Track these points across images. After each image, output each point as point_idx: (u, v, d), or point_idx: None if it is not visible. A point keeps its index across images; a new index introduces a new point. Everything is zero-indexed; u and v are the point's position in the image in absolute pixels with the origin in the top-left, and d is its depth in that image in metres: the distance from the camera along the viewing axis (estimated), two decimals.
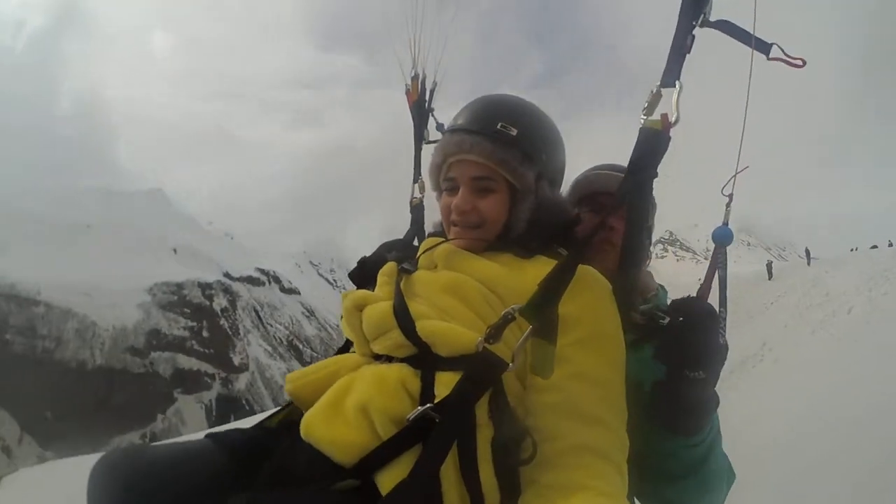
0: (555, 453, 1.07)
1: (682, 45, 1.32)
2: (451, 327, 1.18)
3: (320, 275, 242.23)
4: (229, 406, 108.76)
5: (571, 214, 1.48)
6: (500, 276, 1.29)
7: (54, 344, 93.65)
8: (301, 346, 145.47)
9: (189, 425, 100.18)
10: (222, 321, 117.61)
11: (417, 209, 1.97)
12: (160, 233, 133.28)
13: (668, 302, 1.52)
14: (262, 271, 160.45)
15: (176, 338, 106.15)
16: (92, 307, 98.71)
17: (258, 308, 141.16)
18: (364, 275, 1.69)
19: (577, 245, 1.35)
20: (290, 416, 1.40)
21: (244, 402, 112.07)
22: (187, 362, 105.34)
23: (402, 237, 1.91)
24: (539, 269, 1.25)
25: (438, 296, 1.29)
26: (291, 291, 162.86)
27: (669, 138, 1.31)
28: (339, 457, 1.09)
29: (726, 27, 1.32)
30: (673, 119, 1.30)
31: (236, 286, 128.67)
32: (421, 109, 2.03)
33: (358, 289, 1.59)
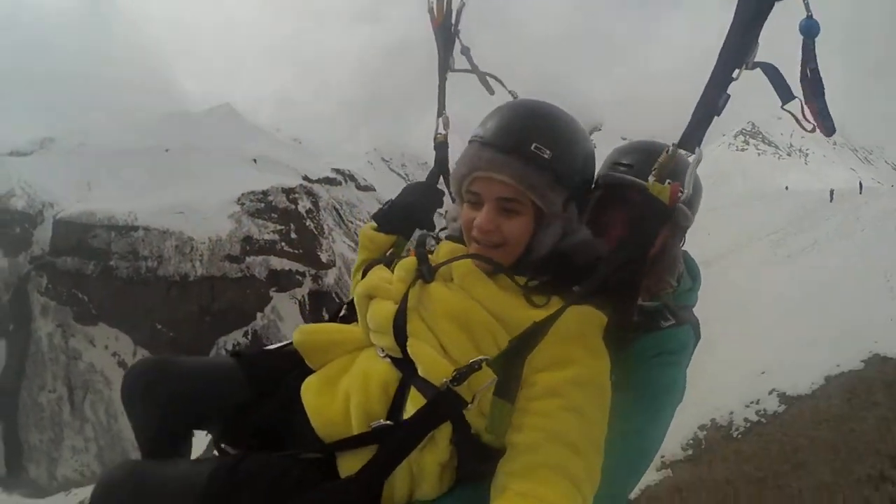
0: (531, 465, 1.19)
1: (713, 105, 1.29)
2: (431, 356, 1.33)
3: (392, 170, 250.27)
4: (320, 300, 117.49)
5: (595, 253, 1.47)
6: (512, 311, 1.37)
7: (156, 263, 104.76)
8: None
9: (286, 321, 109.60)
10: (308, 222, 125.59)
11: (441, 147, 2.09)
12: (237, 145, 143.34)
13: (696, 287, 1.82)
14: (338, 171, 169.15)
15: (267, 242, 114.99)
16: (187, 224, 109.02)
17: (338, 207, 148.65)
18: (389, 222, 1.94)
19: (591, 290, 1.36)
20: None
21: (334, 294, 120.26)
22: (279, 263, 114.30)
23: (426, 181, 2.05)
24: (552, 306, 1.35)
25: (441, 320, 1.38)
26: (367, 189, 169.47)
27: (672, 213, 1.35)
28: (317, 427, 1.38)
29: (772, 72, 1.27)
30: (683, 196, 1.33)
31: (316, 188, 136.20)
32: (447, 34, 2.04)
33: (382, 230, 1.92)
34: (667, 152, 1.37)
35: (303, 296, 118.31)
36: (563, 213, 1.47)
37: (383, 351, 1.43)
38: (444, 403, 1.27)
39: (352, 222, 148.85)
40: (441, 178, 2.02)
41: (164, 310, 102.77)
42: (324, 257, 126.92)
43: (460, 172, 1.51)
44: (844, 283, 10.01)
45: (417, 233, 1.88)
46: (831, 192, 26.40)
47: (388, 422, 1.30)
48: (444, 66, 2.06)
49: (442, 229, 1.77)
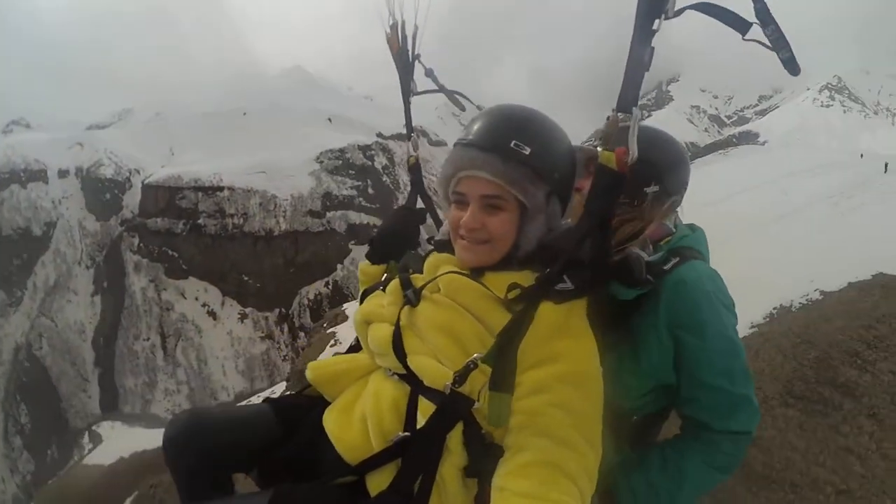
0: (525, 464, 1.30)
1: (640, 61, 1.35)
2: (431, 365, 1.48)
3: (462, 124, 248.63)
4: None
5: (574, 248, 1.52)
6: (496, 318, 1.49)
7: (242, 220, 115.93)
8: None
9: None
10: (384, 178, 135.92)
11: (415, 169, 2.40)
12: (312, 105, 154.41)
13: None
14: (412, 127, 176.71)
15: (346, 197, 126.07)
16: (270, 182, 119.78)
17: None
18: (378, 254, 2.13)
19: (582, 285, 1.47)
20: None
21: None
22: (357, 217, 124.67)
23: (405, 204, 2.31)
24: (545, 321, 1.45)
25: (434, 334, 1.52)
26: (439, 144, 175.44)
27: (624, 177, 1.42)
28: (343, 454, 1.55)
29: (705, 7, 1.32)
30: (630, 158, 1.39)
31: (391, 144, 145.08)
32: (405, 60, 2.29)
33: (374, 263, 2.12)
34: (608, 118, 1.47)
35: None
36: (546, 208, 1.60)
37: (390, 371, 1.59)
38: (452, 406, 1.41)
39: (425, 177, 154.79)
40: (419, 197, 2.29)
41: (250, 263, 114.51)
42: None
43: (446, 173, 1.66)
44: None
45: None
46: (885, 165, 27.46)
47: (405, 433, 1.45)
48: (407, 91, 2.32)
49: (429, 239, 1.98)
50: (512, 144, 1.54)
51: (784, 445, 4.93)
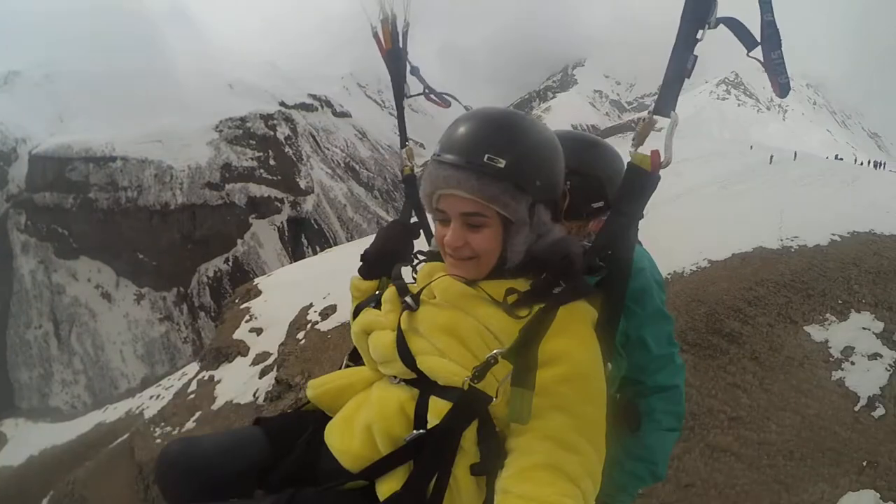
0: (528, 467, 1.29)
1: (682, 67, 1.35)
2: (444, 364, 1.44)
3: (368, 96, 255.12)
4: (299, 226, 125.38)
5: (568, 250, 1.54)
6: (497, 322, 1.47)
7: (136, 193, 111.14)
8: (357, 168, 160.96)
9: (266, 246, 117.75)
10: (286, 149, 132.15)
11: (409, 181, 2.19)
12: (212, 70, 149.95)
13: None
14: (314, 97, 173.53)
15: (246, 169, 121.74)
16: (166, 153, 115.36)
17: (315, 133, 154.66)
18: (371, 271, 2.05)
19: (573, 283, 1.47)
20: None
21: (312, 221, 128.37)
22: (258, 190, 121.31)
23: (399, 219, 2.17)
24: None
25: (437, 335, 1.49)
26: (343, 115, 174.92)
27: (658, 179, 1.42)
28: (347, 465, 1.50)
29: (730, 22, 1.33)
30: (664, 160, 1.39)
31: (293, 114, 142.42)
32: (398, 59, 2.14)
33: (367, 279, 2.04)
34: (643, 120, 1.43)
35: (281, 222, 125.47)
36: (531, 219, 1.54)
37: (396, 378, 1.55)
38: (470, 402, 1.38)
39: (328, 148, 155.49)
40: (413, 212, 2.18)
41: (145, 239, 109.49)
42: (302, 184, 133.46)
43: (425, 192, 1.62)
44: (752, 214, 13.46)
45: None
46: (771, 157, 30.40)
47: (420, 431, 1.42)
48: (401, 94, 2.19)
49: (418, 254, 1.98)
50: (485, 159, 1.48)
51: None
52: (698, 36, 1.33)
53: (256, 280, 28.38)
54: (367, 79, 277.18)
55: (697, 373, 6.94)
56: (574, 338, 1.43)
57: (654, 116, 1.43)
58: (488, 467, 1.39)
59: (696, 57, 1.34)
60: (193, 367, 32.22)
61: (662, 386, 1.98)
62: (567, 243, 1.58)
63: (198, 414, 19.67)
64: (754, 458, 6.13)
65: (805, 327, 8.07)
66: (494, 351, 1.36)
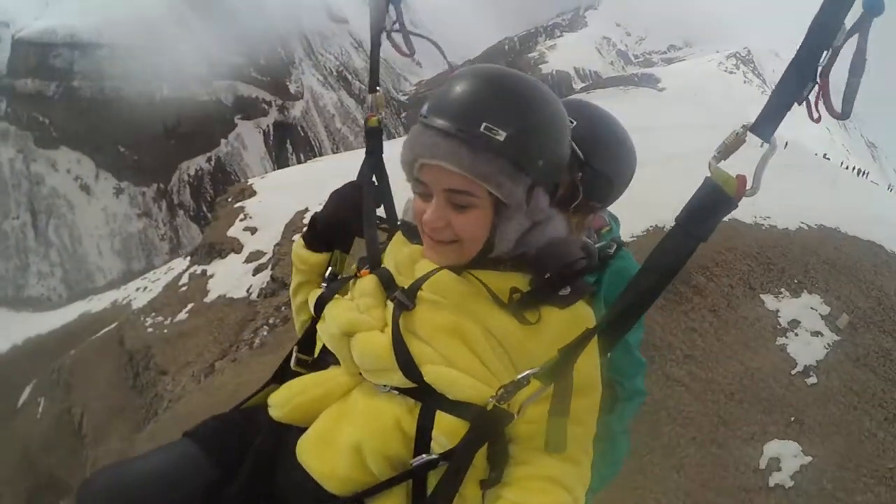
0: (524, 476, 1.26)
1: (797, 92, 1.20)
2: (459, 378, 1.29)
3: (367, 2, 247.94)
4: (285, 131, 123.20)
5: (571, 257, 1.39)
6: (500, 321, 1.34)
7: (123, 83, 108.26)
8: (350, 78, 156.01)
9: (250, 150, 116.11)
10: (279, 49, 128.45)
11: (373, 133, 1.90)
12: None
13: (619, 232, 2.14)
14: None
15: (235, 65, 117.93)
16: (154, 42, 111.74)
17: (309, 36, 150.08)
18: (321, 239, 1.79)
19: (583, 288, 1.39)
20: (265, 399, 1.57)
21: (299, 128, 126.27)
22: (246, 90, 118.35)
23: (357, 180, 1.86)
24: (552, 328, 1.34)
25: (441, 338, 1.33)
26: (340, 20, 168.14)
27: (735, 206, 1.27)
28: (334, 489, 1.33)
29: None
30: (750, 189, 1.24)
31: (289, 12, 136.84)
32: None
33: (315, 250, 1.79)
34: (736, 134, 1.26)
35: (268, 125, 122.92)
36: (527, 203, 1.37)
37: (385, 386, 1.38)
38: (491, 422, 1.27)
39: (321, 54, 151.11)
40: (374, 172, 1.90)
41: (128, 132, 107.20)
42: (292, 88, 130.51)
43: (405, 158, 1.42)
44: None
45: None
46: (743, 125, 35.69)
47: (432, 457, 1.29)
48: (379, 28, 1.88)
49: (381, 220, 1.82)
50: (482, 128, 1.28)
51: (648, 319, 7.10)
52: (821, 61, 1.16)
53: (251, 180, 29.60)
54: None
55: (664, 312, 8.17)
56: (588, 345, 1.34)
57: (749, 133, 1.25)
58: (496, 482, 1.31)
59: (815, 84, 1.18)
60: (181, 262, 34.34)
61: (639, 391, 2.06)
62: (567, 246, 1.44)
63: (190, 305, 21.54)
64: (701, 392, 7.41)
65: (761, 295, 9.40)
66: (527, 372, 1.26)
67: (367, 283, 1.50)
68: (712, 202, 1.25)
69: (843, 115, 1.20)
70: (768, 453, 6.83)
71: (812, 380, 7.85)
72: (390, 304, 1.42)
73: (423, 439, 1.31)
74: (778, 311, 9.09)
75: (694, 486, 6.52)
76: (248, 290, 20.38)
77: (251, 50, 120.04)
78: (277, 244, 20.43)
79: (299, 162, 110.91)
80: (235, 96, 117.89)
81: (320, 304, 1.58)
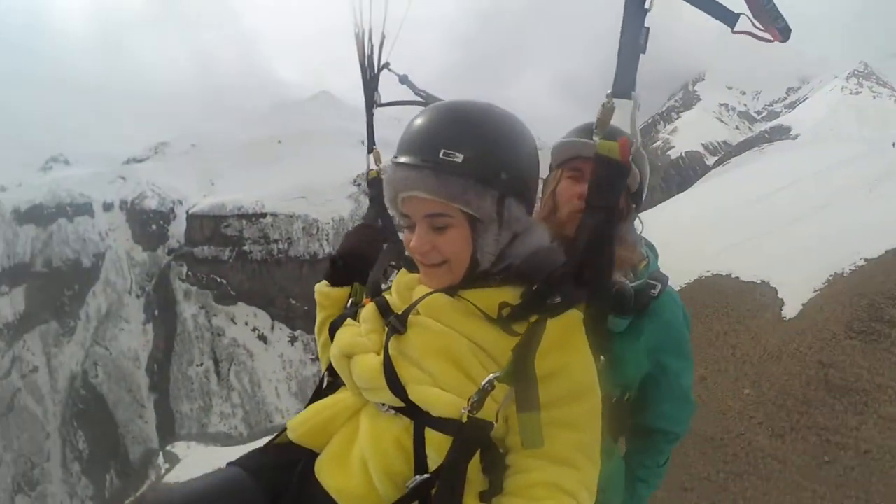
0: (524, 485, 1.29)
1: (634, 42, 1.29)
2: (437, 394, 1.36)
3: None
4: None
5: (555, 263, 1.46)
6: (490, 336, 1.41)
7: (286, 245, 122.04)
8: None
9: None
10: None
11: (374, 184, 2.21)
12: (341, 127, 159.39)
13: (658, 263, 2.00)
14: None
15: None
16: (311, 207, 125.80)
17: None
18: (340, 273, 1.98)
19: (565, 293, 1.39)
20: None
21: None
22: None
23: (365, 221, 2.15)
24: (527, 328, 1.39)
25: (428, 359, 1.41)
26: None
27: (628, 168, 1.38)
28: None
29: None
30: (632, 146, 1.35)
31: None
32: (369, 70, 2.20)
33: (336, 285, 1.96)
34: (603, 105, 1.35)
35: None
36: (499, 215, 1.46)
37: (384, 405, 1.46)
38: (471, 434, 1.31)
39: None
40: (378, 214, 2.14)
41: (296, 286, 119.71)
42: None
43: (388, 196, 1.56)
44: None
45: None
46: (893, 143, 27.31)
47: (425, 476, 1.34)
48: (371, 103, 2.24)
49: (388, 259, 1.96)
50: (441, 155, 1.41)
51: (853, 365, 7.41)
52: (647, 5, 1.27)
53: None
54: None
55: (866, 356, 7.59)
56: (571, 350, 1.38)
57: (613, 99, 1.34)
58: (497, 491, 1.35)
59: (647, 29, 1.26)
60: None
61: (683, 433, 2.07)
62: (551, 254, 1.52)
63: None
64: None
65: None
66: (489, 376, 1.32)
67: (368, 310, 1.63)
68: (606, 172, 1.40)
69: (785, 37, 1.29)
70: None
71: None
72: (386, 328, 1.52)
73: (420, 457, 1.37)
74: None
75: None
76: None
77: None
78: None
79: None
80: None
81: (332, 330, 1.73)
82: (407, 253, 1.67)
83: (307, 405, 1.77)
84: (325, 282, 2.04)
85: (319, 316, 2.03)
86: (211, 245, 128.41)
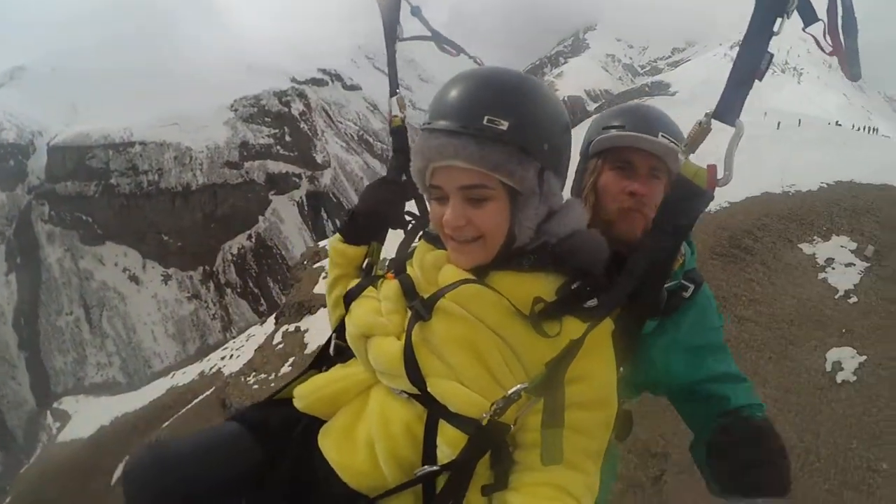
0: (531, 483, 1.27)
1: (753, 66, 1.20)
2: (461, 392, 1.31)
3: (376, 68, 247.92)
4: (318, 200, 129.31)
5: (598, 252, 1.43)
6: (519, 334, 1.34)
7: (157, 176, 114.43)
8: (371, 140, 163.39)
9: (287, 222, 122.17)
10: (301, 124, 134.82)
11: (398, 133, 1.98)
12: (228, 52, 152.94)
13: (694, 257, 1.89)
14: (324, 71, 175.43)
15: (263, 146, 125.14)
16: (183, 135, 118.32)
17: (327, 108, 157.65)
18: (358, 231, 1.84)
19: (610, 305, 1.34)
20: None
21: (331, 195, 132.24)
22: (276, 166, 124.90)
23: (387, 176, 1.92)
24: (564, 335, 1.31)
25: (453, 352, 1.34)
26: (353, 88, 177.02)
27: (711, 198, 1.30)
28: (350, 482, 1.38)
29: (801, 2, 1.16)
30: (722, 177, 1.27)
31: (307, 90, 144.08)
32: None
33: (352, 242, 1.83)
34: (699, 123, 1.27)
35: (301, 197, 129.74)
36: (540, 188, 1.39)
37: (398, 389, 1.41)
38: (488, 435, 1.29)
39: (341, 122, 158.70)
40: (402, 168, 1.91)
41: (169, 221, 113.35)
42: (319, 158, 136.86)
43: (416, 167, 1.45)
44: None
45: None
46: (778, 123, 29.06)
47: (434, 468, 1.31)
48: (392, 35, 1.97)
49: (408, 215, 1.88)
50: (485, 121, 1.31)
51: (714, 278, 9.77)
52: (775, 28, 1.17)
53: (322, 243, 32.76)
54: (375, 50, 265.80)
55: (725, 272, 10.15)
56: (597, 358, 1.35)
57: (713, 121, 1.27)
58: (500, 487, 1.34)
59: (771, 55, 1.17)
60: (259, 328, 36.24)
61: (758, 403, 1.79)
62: (591, 241, 1.48)
63: (292, 359, 22.61)
64: (767, 324, 9.01)
65: (798, 245, 11.23)
66: (518, 387, 1.28)
67: (390, 288, 1.54)
68: (686, 197, 1.33)
69: (853, 78, 1.23)
70: (831, 359, 8.27)
71: (853, 299, 9.40)
72: (409, 311, 1.45)
73: (429, 445, 1.36)
74: (814, 254, 10.80)
75: (778, 394, 7.84)
76: None
77: (275, 128, 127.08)
78: None
79: (335, 227, 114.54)
80: (267, 174, 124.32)
81: (348, 300, 1.65)
82: (430, 229, 1.60)
83: (309, 367, 1.76)
84: (338, 236, 1.92)
85: (332, 272, 1.92)
86: (75, 180, 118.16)
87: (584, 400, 1.31)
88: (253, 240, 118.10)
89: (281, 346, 24.39)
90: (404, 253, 1.70)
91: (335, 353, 1.72)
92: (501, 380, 1.32)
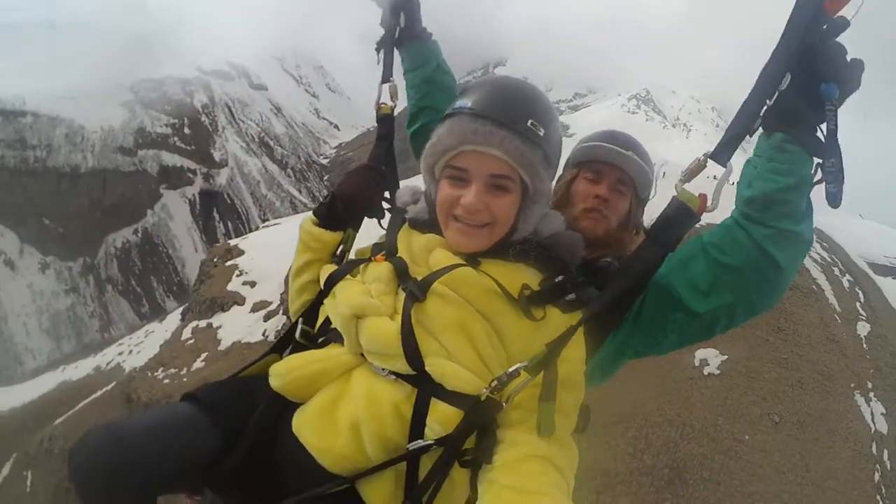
0: (516, 458, 1.33)
1: (747, 126, 1.48)
2: (458, 371, 1.40)
3: (285, 70, 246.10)
4: (212, 200, 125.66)
5: (578, 251, 1.65)
6: (507, 318, 1.48)
7: (45, 152, 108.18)
8: (272, 144, 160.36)
9: (176, 219, 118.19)
10: (203, 117, 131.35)
11: (385, 121, 2.08)
12: (130, 26, 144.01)
13: None
14: (232, 65, 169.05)
15: (160, 135, 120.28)
16: (78, 111, 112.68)
17: (230, 104, 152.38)
18: (336, 216, 1.88)
19: (590, 301, 1.52)
20: (265, 369, 1.62)
21: (225, 196, 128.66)
22: (171, 159, 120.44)
23: (369, 163, 2.02)
24: (551, 328, 1.46)
25: (447, 333, 1.44)
26: (259, 87, 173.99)
27: (698, 221, 1.51)
28: (330, 466, 1.40)
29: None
30: (710, 205, 1.48)
31: (211, 81, 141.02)
32: None
33: (328, 227, 1.86)
34: (698, 160, 1.48)
35: (193, 194, 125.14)
36: (549, 193, 1.61)
37: (384, 369, 1.45)
38: (483, 410, 1.38)
39: (243, 121, 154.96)
40: (386, 156, 2.04)
41: (52, 204, 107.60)
42: (216, 155, 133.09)
43: (445, 145, 1.54)
44: None
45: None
46: (663, 172, 35.85)
47: (428, 442, 1.37)
48: (393, 30, 2.14)
49: (385, 203, 1.94)
50: (529, 123, 1.49)
51: None
52: (768, 101, 1.43)
53: (233, 241, 33.57)
54: (283, 52, 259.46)
55: None
56: (572, 344, 1.45)
57: (710, 160, 1.48)
58: (481, 461, 1.38)
59: (762, 119, 1.44)
60: (160, 324, 37.57)
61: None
62: (572, 242, 1.68)
63: (204, 354, 23.33)
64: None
65: None
66: (517, 365, 1.38)
67: (382, 269, 1.58)
68: (679, 217, 1.51)
69: (833, 202, 1.44)
70: (699, 356, 10.51)
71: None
72: (401, 293, 1.52)
73: (417, 425, 1.40)
74: None
75: (657, 380, 10.33)
76: (263, 334, 22.47)
77: (175, 117, 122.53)
78: (283, 292, 22.41)
79: (226, 231, 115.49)
80: (161, 165, 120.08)
81: (330, 282, 1.67)
82: (412, 215, 1.75)
83: (270, 350, 1.79)
84: (313, 219, 1.92)
85: (302, 257, 1.91)
86: None
87: (565, 378, 1.42)
88: (139, 235, 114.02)
89: (191, 341, 25.13)
90: (393, 236, 1.74)
91: (301, 336, 1.76)
92: (488, 361, 1.44)
